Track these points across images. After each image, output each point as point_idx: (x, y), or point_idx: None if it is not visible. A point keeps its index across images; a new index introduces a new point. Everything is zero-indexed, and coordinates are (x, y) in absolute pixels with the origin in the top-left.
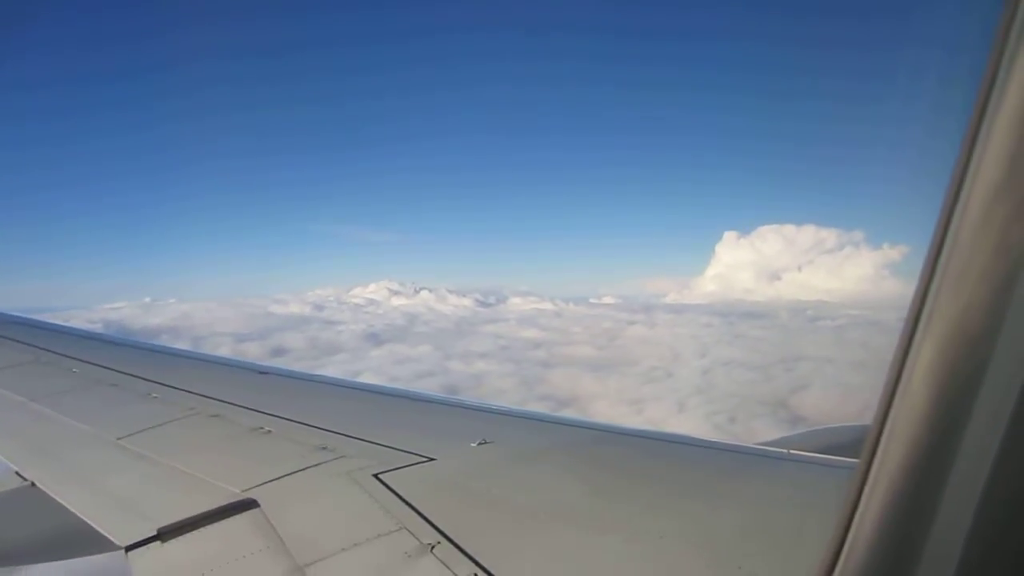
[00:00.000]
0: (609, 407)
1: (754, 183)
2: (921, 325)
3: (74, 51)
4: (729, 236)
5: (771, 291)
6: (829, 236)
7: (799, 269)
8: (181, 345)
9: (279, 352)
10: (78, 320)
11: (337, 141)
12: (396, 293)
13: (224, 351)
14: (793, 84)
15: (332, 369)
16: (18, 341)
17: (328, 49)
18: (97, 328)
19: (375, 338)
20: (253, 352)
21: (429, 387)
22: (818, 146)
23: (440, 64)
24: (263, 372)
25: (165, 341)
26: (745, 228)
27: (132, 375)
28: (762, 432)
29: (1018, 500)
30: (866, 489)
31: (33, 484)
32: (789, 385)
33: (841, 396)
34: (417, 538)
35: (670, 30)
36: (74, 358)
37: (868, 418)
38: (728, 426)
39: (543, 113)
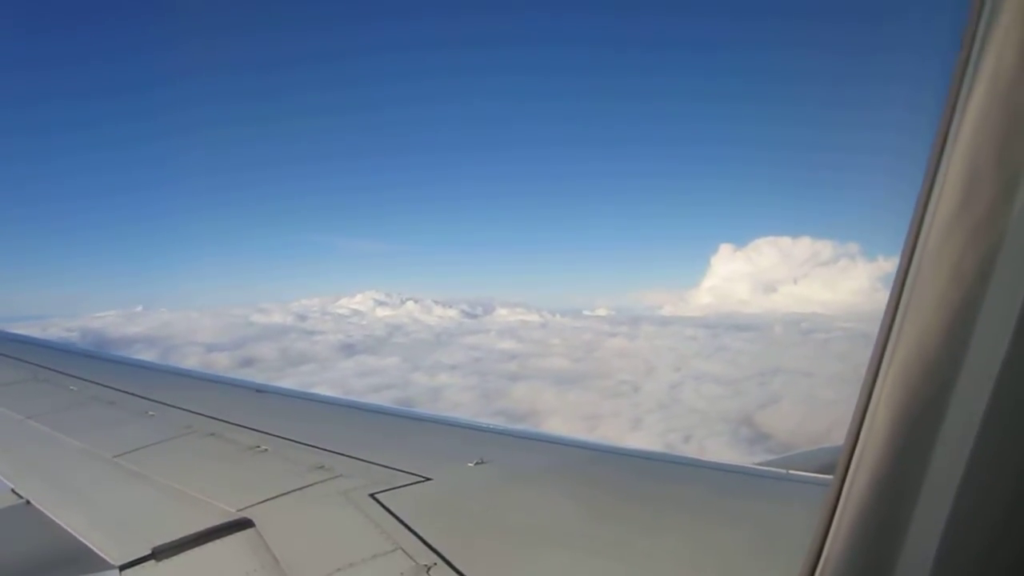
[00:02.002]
0: (564, 423)
1: (751, 194)
2: (888, 348)
3: (64, 62)
4: (725, 248)
5: (767, 303)
6: (825, 248)
7: (795, 281)
8: (152, 355)
9: (247, 362)
10: (56, 328)
11: (334, 151)
12: (382, 304)
13: (193, 361)
14: (792, 93)
15: (294, 380)
16: (16, 358)
17: (323, 60)
18: (74, 337)
19: (349, 349)
20: (222, 362)
21: (384, 399)
22: (813, 157)
23: (439, 75)
24: (260, 390)
25: (139, 350)
26: (741, 240)
27: (130, 393)
28: (715, 451)
29: (983, 520)
30: (838, 508)
31: (28, 502)
32: (759, 400)
33: (809, 412)
34: (413, 559)
35: (665, 40)
36: (72, 375)
37: (836, 434)
38: (681, 444)
39: (542, 125)
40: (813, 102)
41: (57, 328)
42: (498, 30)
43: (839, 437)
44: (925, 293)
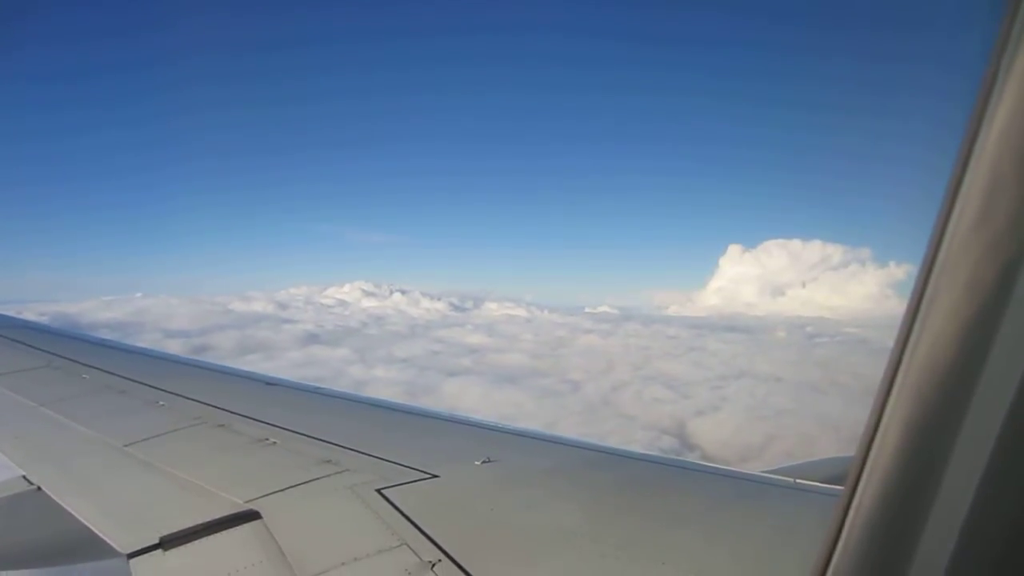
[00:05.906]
0: None
1: (762, 195)
2: (904, 359)
3: (62, 47)
4: (733, 249)
5: (774, 306)
6: (835, 252)
7: (803, 285)
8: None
9: (200, 350)
10: (30, 313)
11: (340, 140)
12: (369, 294)
13: (142, 345)
14: (808, 96)
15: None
16: (30, 346)
17: (327, 48)
18: (45, 321)
19: (309, 340)
20: (174, 348)
21: None
22: (827, 159)
23: (440, 66)
24: (271, 383)
25: (103, 335)
26: (750, 241)
27: (141, 383)
28: None
29: (995, 537)
30: (848, 520)
31: (39, 489)
32: (700, 407)
33: (747, 423)
34: (418, 555)
35: (677, 37)
36: (85, 364)
37: (773, 448)
38: None
39: (552, 120)
40: (833, 108)
41: (30, 312)
42: (503, 22)
43: (775, 451)
44: (942, 305)
